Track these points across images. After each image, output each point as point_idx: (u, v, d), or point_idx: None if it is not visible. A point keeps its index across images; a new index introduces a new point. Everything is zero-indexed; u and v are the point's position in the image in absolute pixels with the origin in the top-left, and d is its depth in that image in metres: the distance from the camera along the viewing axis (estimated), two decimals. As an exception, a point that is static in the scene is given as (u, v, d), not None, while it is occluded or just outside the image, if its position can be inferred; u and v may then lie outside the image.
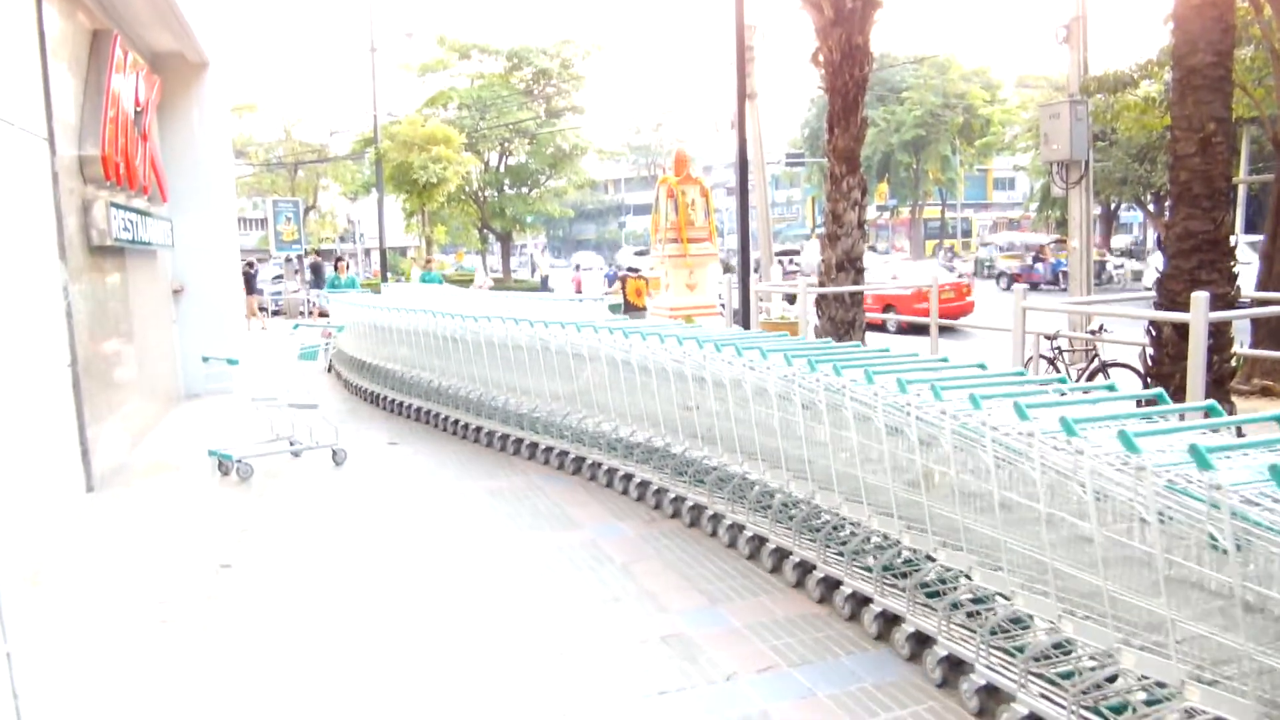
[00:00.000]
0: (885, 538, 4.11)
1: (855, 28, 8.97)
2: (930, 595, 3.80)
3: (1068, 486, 3.04)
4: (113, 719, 3.45)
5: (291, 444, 7.64)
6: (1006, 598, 3.40)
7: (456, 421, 8.59)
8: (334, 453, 7.60)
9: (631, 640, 4.08)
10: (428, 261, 21.49)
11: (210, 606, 4.57)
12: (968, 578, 3.61)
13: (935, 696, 3.51)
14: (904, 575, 3.97)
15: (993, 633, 3.39)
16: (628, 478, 6.25)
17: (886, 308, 17.74)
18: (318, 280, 24.56)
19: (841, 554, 4.30)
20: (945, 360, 4.81)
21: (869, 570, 4.13)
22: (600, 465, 6.61)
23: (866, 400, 3.97)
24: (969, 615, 3.60)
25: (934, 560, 3.78)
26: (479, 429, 8.18)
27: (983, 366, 4.37)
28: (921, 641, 3.76)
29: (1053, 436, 3.06)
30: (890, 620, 3.95)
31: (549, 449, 7.25)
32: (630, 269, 23.04)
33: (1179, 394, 5.84)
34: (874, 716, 3.38)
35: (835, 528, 4.45)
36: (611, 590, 4.69)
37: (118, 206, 7.40)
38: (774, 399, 4.60)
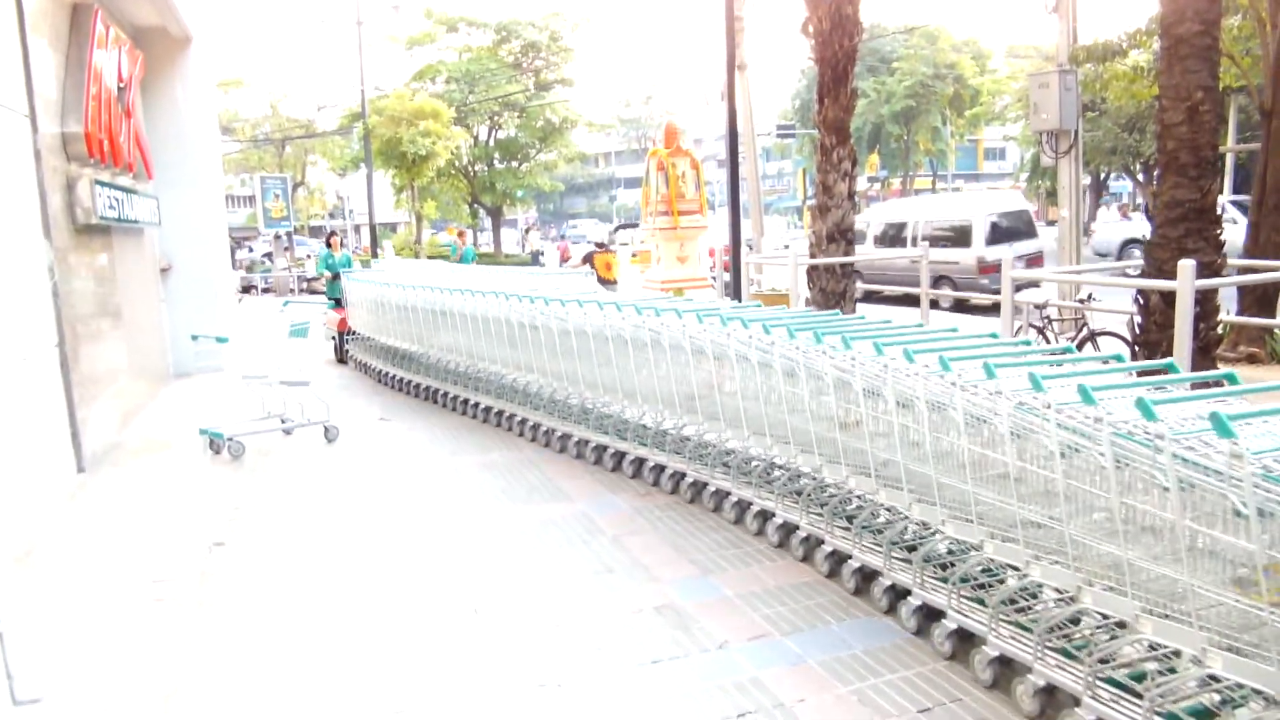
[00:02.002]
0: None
1: (844, -3, 8.90)
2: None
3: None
4: (108, 698, 3.48)
5: (283, 421, 7.64)
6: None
7: (489, 409, 8.05)
8: (326, 429, 7.61)
9: (625, 610, 4.13)
10: (460, 234, 18.19)
11: (204, 585, 4.59)
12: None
13: (923, 661, 3.57)
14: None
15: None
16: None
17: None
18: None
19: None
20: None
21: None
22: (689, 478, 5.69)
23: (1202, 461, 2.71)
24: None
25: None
26: (513, 416, 7.67)
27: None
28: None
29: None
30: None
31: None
32: (599, 244, 23.96)
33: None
34: (863, 681, 3.43)
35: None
36: (605, 561, 4.73)
37: (102, 184, 7.33)
38: (1007, 438, 3.32)
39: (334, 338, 12.63)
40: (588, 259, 17.39)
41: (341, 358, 12.38)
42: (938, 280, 15.27)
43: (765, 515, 4.95)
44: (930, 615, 3.76)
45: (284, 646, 3.90)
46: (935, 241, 14.79)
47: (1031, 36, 43.76)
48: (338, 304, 12.52)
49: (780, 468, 4.99)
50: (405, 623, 4.09)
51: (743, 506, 5.15)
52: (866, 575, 4.20)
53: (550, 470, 6.49)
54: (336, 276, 12.60)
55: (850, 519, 4.43)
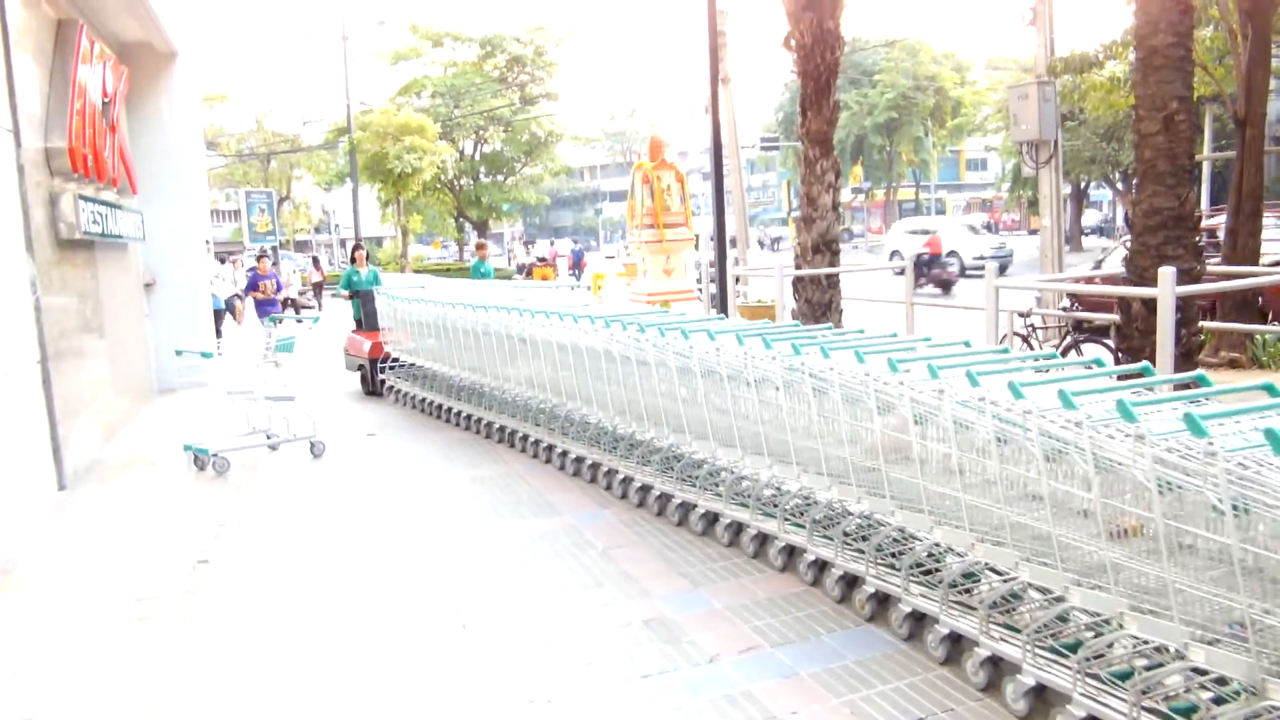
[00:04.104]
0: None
1: (826, 12, 8.99)
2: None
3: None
4: (91, 718, 3.44)
5: (269, 437, 7.60)
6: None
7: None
8: (312, 445, 7.57)
9: (613, 624, 4.12)
10: (479, 247, 15.22)
11: (188, 603, 4.55)
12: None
13: (915, 670, 3.57)
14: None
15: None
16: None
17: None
18: None
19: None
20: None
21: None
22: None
23: None
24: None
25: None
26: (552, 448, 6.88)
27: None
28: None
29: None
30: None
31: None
32: (540, 258, 25.35)
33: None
34: (855, 692, 3.43)
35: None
36: (593, 575, 4.71)
37: (86, 199, 7.30)
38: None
39: (362, 366, 10.63)
40: (527, 271, 17.74)
41: (374, 388, 10.43)
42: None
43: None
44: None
45: (269, 665, 3.86)
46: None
47: (1010, 49, 44.36)
48: (359, 326, 10.99)
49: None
50: (393, 639, 4.06)
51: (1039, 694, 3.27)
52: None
53: (539, 484, 6.47)
54: (356, 294, 11.15)
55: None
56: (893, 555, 4.08)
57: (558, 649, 3.90)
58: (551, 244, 42.11)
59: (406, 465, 7.26)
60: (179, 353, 8.53)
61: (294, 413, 7.67)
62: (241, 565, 5.10)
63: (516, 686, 3.58)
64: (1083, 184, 36.44)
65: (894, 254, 26.90)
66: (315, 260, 26.73)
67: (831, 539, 4.32)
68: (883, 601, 4.04)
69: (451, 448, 7.73)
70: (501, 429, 7.68)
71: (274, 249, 27.68)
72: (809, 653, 3.75)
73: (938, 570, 3.87)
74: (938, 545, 3.86)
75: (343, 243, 46.70)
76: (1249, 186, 9.44)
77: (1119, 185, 32.33)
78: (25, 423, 5.73)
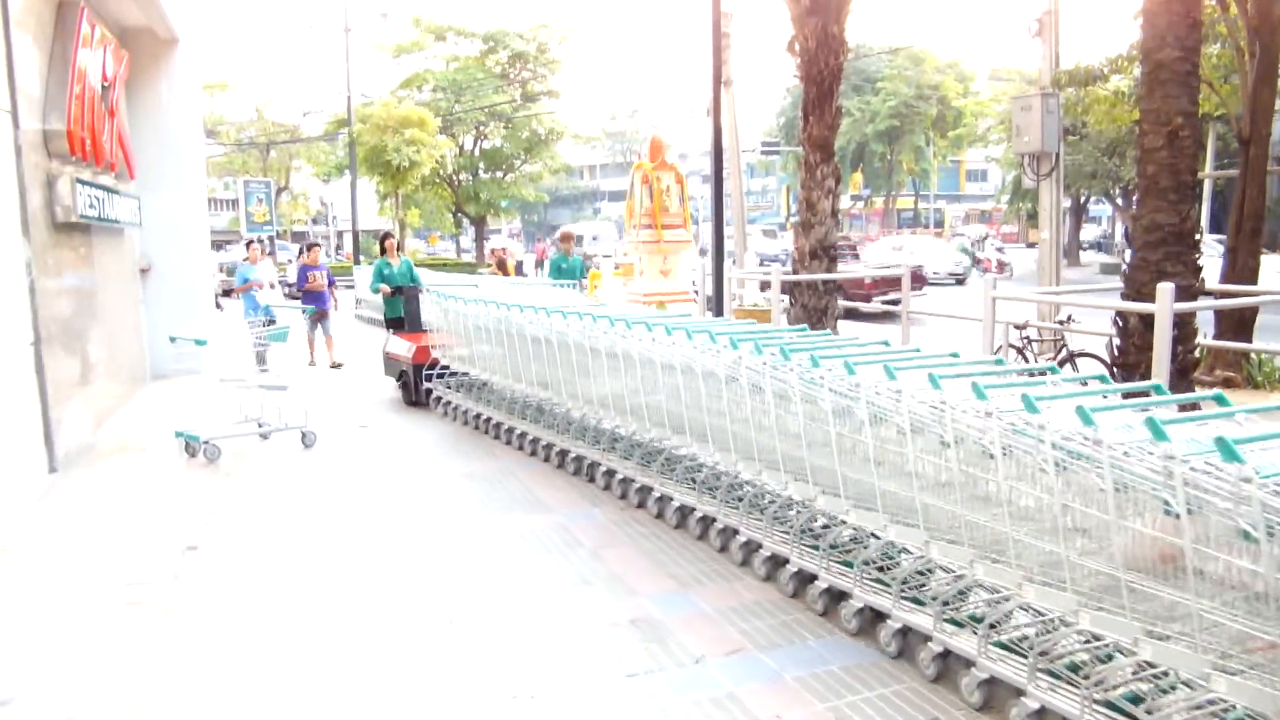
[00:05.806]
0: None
1: (831, 16, 8.99)
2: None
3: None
4: (79, 701, 3.42)
5: (260, 425, 7.57)
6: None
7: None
8: (303, 435, 7.55)
9: (601, 623, 4.10)
10: (564, 239, 12.31)
11: (177, 588, 4.53)
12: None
13: (901, 679, 3.57)
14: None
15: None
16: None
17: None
18: None
19: None
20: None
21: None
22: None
23: None
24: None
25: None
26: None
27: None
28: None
29: None
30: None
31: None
32: (503, 249, 26.07)
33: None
34: (840, 699, 3.42)
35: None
36: (582, 573, 4.70)
37: (83, 183, 7.27)
38: None
39: (404, 373, 9.39)
40: (500, 264, 17.75)
41: (416, 398, 9.20)
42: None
43: None
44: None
45: (255, 654, 3.84)
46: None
47: (1014, 60, 44.48)
48: (396, 325, 10.11)
49: None
50: (379, 632, 4.04)
51: None
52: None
53: (530, 480, 6.46)
54: (398, 290, 10.18)
55: None
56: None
57: (544, 646, 3.89)
58: (538, 241, 42.14)
59: (398, 456, 7.23)
60: (173, 339, 8.48)
61: (286, 402, 7.64)
62: (231, 552, 5.08)
63: (501, 682, 3.57)
64: (1083, 198, 36.57)
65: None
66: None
67: (1022, 653, 3.27)
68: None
69: (445, 441, 7.71)
70: (498, 425, 7.64)
71: (270, 239, 27.63)
72: (794, 657, 3.75)
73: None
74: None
75: (339, 235, 46.63)
76: (1251, 206, 9.46)
77: (1119, 200, 32.45)
78: (17, 405, 5.70)
